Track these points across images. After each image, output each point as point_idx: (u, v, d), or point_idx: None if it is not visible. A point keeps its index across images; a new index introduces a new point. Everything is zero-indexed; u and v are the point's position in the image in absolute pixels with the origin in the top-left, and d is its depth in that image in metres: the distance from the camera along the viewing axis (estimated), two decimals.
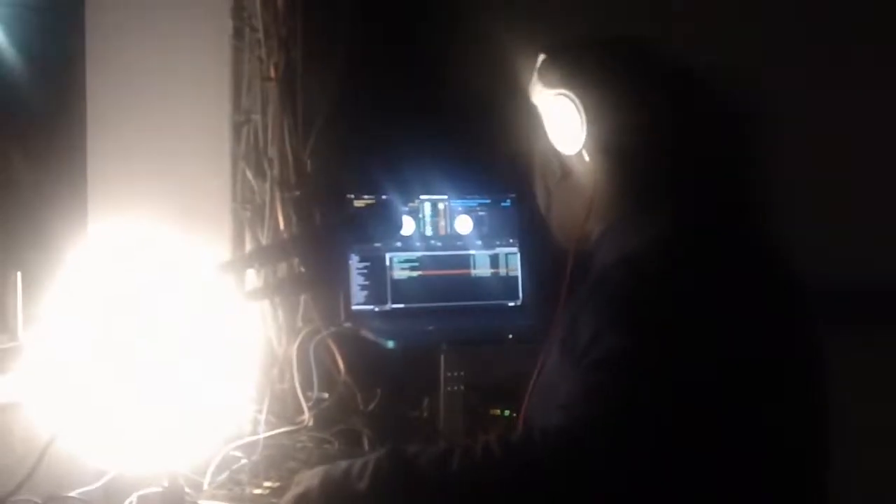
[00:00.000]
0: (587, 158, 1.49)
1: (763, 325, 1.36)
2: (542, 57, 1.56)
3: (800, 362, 1.42)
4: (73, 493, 1.66)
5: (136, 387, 1.61)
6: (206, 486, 1.84)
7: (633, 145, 1.50)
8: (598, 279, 1.40)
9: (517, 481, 1.20)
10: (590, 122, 1.46)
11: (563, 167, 1.56)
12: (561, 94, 1.49)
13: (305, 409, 2.23)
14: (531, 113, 1.58)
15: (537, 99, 1.57)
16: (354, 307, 2.32)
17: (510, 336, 2.28)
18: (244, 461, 1.97)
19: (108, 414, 1.61)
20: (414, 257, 2.40)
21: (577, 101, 1.47)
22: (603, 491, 1.18)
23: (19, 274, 1.71)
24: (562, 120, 1.51)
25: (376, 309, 2.35)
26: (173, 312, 1.69)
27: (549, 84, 1.52)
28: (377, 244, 2.35)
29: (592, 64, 1.52)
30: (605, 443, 1.17)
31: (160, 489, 1.55)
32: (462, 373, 2.22)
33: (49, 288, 1.70)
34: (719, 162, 1.60)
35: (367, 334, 2.23)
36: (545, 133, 1.56)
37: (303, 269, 1.62)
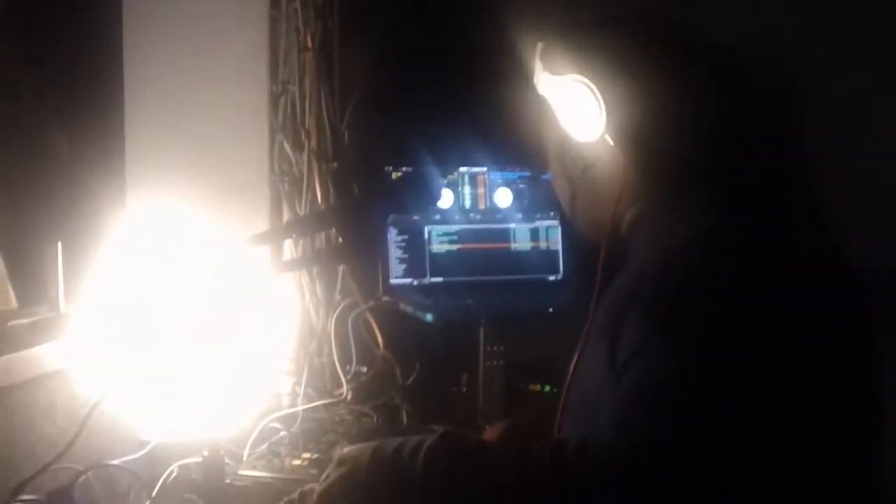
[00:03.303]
0: (611, 143, 1.37)
1: (823, 341, 1.24)
2: (540, 45, 1.43)
3: (863, 380, 1.30)
4: (114, 462, 1.66)
5: (177, 358, 1.61)
6: (245, 457, 1.84)
7: (665, 128, 1.36)
8: (637, 276, 1.29)
9: (566, 496, 1.18)
10: (611, 108, 1.34)
11: (583, 157, 1.44)
12: (575, 79, 1.36)
13: (344, 382, 2.22)
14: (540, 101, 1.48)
15: (545, 88, 1.44)
16: (393, 281, 2.31)
17: (550, 310, 2.26)
18: (283, 433, 1.97)
19: (150, 384, 1.61)
20: (453, 230, 2.38)
21: (595, 85, 1.34)
22: None
23: (60, 244, 1.70)
24: (578, 107, 1.38)
25: (415, 283, 2.33)
26: (212, 284, 1.68)
27: (558, 70, 1.39)
28: (415, 217, 2.33)
29: (614, 42, 1.39)
30: (657, 474, 1.14)
31: (200, 459, 1.54)
32: (501, 348, 2.19)
33: (89, 259, 1.70)
34: (764, 145, 1.50)
35: (406, 308, 2.21)
36: (558, 122, 1.44)
37: (341, 240, 1.60)
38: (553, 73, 1.39)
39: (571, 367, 1.36)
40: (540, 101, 1.46)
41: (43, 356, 1.60)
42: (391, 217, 2.11)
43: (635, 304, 1.23)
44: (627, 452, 1.15)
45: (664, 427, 1.15)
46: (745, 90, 1.45)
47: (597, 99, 1.34)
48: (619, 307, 1.26)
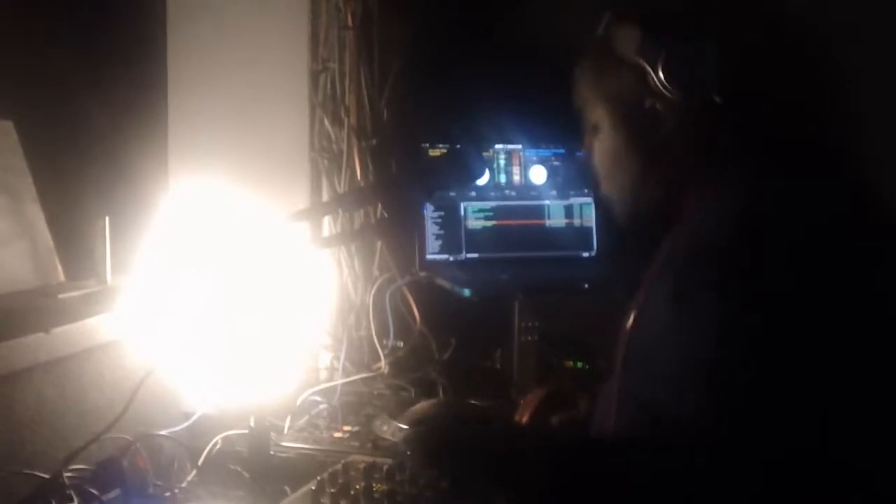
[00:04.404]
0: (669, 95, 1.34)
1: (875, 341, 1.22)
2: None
3: None
4: (162, 433, 1.70)
5: (221, 331, 1.65)
6: (286, 430, 1.87)
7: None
8: (678, 261, 1.28)
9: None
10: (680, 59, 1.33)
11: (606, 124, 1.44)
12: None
13: (382, 356, 2.25)
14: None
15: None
16: (429, 256, 2.33)
17: (586, 286, 2.28)
18: (323, 406, 2.00)
19: (195, 357, 1.65)
20: (488, 207, 2.40)
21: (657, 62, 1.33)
22: None
23: (107, 219, 1.74)
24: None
25: (451, 258, 2.36)
26: (254, 259, 1.71)
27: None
28: (451, 193, 2.35)
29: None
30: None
31: (245, 431, 1.58)
32: (536, 323, 2.22)
33: (135, 233, 1.73)
34: (810, 118, 1.47)
35: (443, 283, 2.24)
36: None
37: (381, 216, 1.63)
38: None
39: (629, 325, 1.35)
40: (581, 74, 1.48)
41: (92, 328, 1.64)
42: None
43: (673, 307, 1.23)
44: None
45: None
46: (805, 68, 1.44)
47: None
48: (655, 293, 1.28)
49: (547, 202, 2.45)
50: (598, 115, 1.45)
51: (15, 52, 1.97)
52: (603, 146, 1.46)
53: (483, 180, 2.37)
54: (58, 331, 1.55)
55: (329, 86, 2.25)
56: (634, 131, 1.40)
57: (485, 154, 2.40)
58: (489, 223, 2.40)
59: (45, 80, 1.99)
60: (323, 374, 2.21)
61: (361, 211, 2.12)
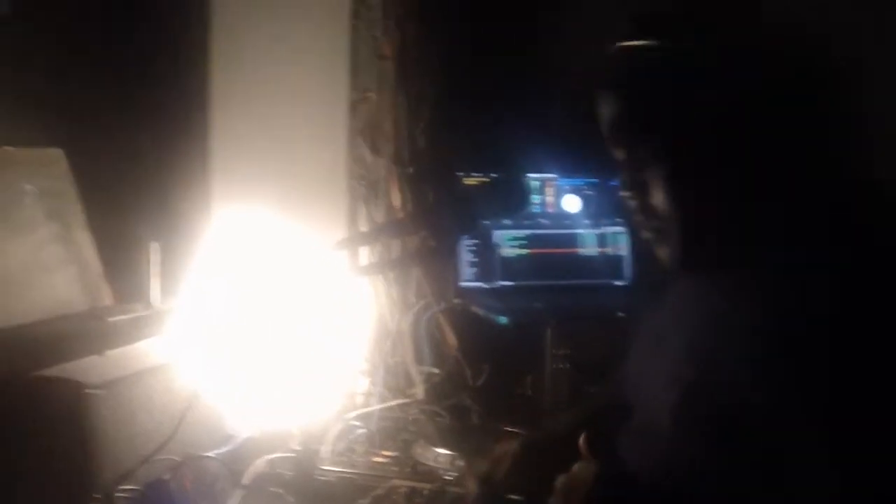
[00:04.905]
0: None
1: None
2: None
3: None
4: (208, 454, 1.72)
5: (263, 356, 1.68)
6: (326, 454, 1.89)
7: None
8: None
9: None
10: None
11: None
12: None
13: (417, 382, 2.27)
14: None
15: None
16: (463, 284, 2.36)
17: (621, 314, 2.29)
18: (360, 431, 2.02)
19: (239, 381, 1.68)
20: (522, 235, 2.43)
21: None
22: None
23: (156, 245, 1.78)
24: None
25: (485, 286, 2.39)
26: (294, 285, 1.74)
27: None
28: (486, 222, 2.38)
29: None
30: None
31: (288, 454, 1.60)
32: (568, 351, 2.24)
33: (180, 259, 1.77)
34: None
35: (479, 310, 2.26)
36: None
37: (423, 245, 1.65)
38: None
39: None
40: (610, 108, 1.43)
41: (142, 352, 1.67)
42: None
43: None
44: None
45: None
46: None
47: None
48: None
49: (580, 231, 2.47)
50: (663, 146, 1.30)
51: (65, 83, 2.03)
52: (665, 181, 1.31)
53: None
54: (110, 353, 1.58)
55: (367, 114, 2.29)
56: (706, 166, 1.27)
57: (528, 183, 2.42)
58: (523, 251, 2.43)
59: (94, 110, 2.04)
60: (360, 399, 2.23)
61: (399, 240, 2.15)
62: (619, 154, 1.32)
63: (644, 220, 1.31)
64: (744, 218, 1.27)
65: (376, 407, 2.13)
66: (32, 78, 1.98)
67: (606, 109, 1.31)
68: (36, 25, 2.00)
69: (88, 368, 1.53)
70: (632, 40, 1.29)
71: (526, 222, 2.44)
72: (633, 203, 1.32)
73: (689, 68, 1.24)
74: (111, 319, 1.71)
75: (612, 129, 1.31)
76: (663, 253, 1.31)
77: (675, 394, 1.25)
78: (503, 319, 2.20)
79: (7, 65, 1.96)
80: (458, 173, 2.35)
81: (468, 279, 2.37)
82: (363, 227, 2.29)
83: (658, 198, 1.28)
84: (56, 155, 1.91)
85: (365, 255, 2.24)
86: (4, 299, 1.70)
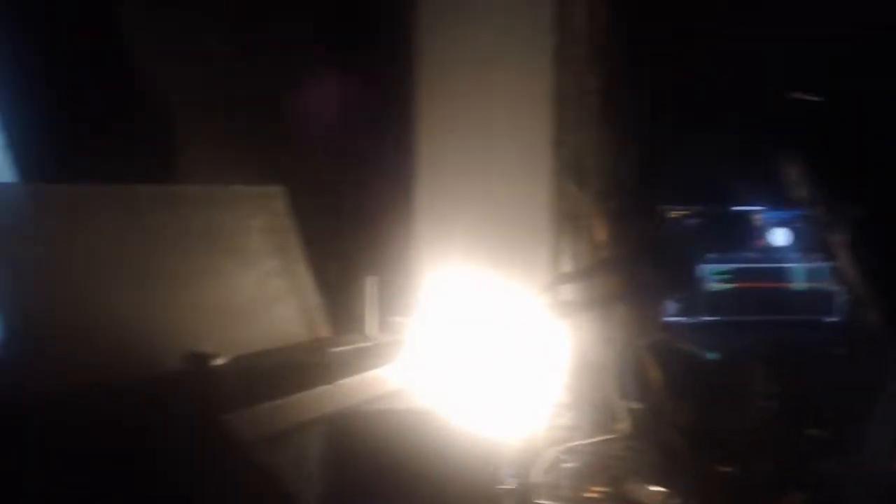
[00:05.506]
0: None
1: None
2: None
3: None
4: None
5: (474, 390, 1.70)
6: (536, 487, 1.89)
7: None
8: None
9: None
10: None
11: None
12: None
13: (621, 417, 2.24)
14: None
15: None
16: (668, 319, 2.32)
17: (833, 352, 2.21)
18: (568, 465, 2.01)
19: (453, 411, 1.70)
20: (728, 269, 2.37)
21: None
22: None
23: (373, 279, 1.83)
24: None
25: (690, 320, 2.34)
26: (503, 321, 1.75)
27: None
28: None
29: None
30: None
31: (511, 486, 1.62)
32: (775, 388, 2.16)
33: (390, 293, 1.81)
34: None
35: (686, 346, 2.22)
36: None
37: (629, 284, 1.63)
38: None
39: None
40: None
41: (366, 382, 1.72)
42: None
43: None
44: None
45: None
46: None
47: None
48: None
49: (789, 265, 2.39)
50: None
51: (285, 123, 2.12)
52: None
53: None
54: (338, 384, 1.63)
55: (571, 150, 2.29)
56: None
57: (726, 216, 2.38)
58: (730, 285, 2.37)
59: (312, 152, 2.13)
60: (564, 434, 2.22)
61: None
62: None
63: None
64: None
65: (581, 442, 2.11)
66: (256, 120, 2.09)
67: None
68: (260, 70, 2.11)
69: (320, 398, 1.58)
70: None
71: (732, 255, 2.38)
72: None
73: None
74: (331, 350, 1.76)
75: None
76: None
77: None
78: (711, 355, 2.15)
79: (234, 107, 2.07)
80: (664, 206, 2.32)
81: (674, 314, 2.33)
82: (567, 263, 2.29)
83: None
84: (277, 192, 2.00)
85: (570, 293, 2.24)
86: (233, 330, 1.79)
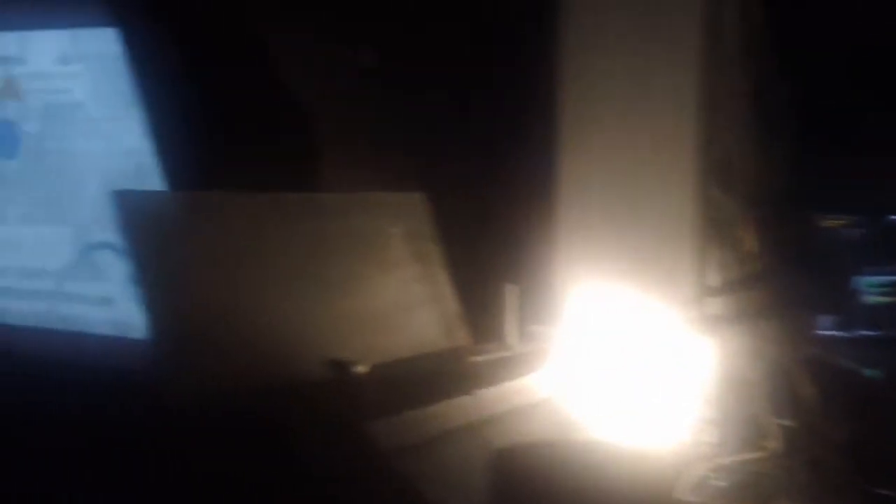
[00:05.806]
0: None
1: None
2: None
3: None
4: None
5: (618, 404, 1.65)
6: None
7: None
8: None
9: None
10: None
11: None
12: None
13: (770, 435, 2.14)
14: None
15: None
16: (821, 332, 2.22)
17: None
18: (718, 484, 1.94)
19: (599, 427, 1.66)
20: (888, 281, 2.25)
21: None
22: None
23: (514, 287, 1.80)
24: None
25: (846, 335, 2.23)
26: (647, 334, 1.71)
27: None
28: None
29: None
30: None
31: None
32: None
33: (530, 302, 1.78)
34: None
35: (843, 362, 2.11)
36: None
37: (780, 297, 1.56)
38: None
39: None
40: None
41: (507, 392, 1.69)
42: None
43: None
44: None
45: None
46: None
47: None
48: None
49: None
50: None
51: (428, 133, 2.12)
52: None
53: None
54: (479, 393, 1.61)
55: (719, 153, 2.21)
56: None
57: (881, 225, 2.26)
58: (888, 298, 2.24)
59: (454, 158, 2.12)
60: (711, 450, 2.14)
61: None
62: None
63: None
64: None
65: (729, 459, 2.03)
66: (397, 127, 2.09)
67: None
68: (401, 77, 2.11)
69: (462, 407, 1.56)
70: None
71: (891, 267, 2.25)
72: None
73: None
74: (473, 359, 1.74)
75: None
76: None
77: None
78: (870, 372, 2.04)
79: (375, 114, 2.08)
80: (819, 215, 2.22)
81: (827, 327, 2.22)
82: (714, 274, 2.21)
83: None
84: (418, 199, 1.99)
85: (717, 306, 2.16)
86: (374, 337, 1.78)
